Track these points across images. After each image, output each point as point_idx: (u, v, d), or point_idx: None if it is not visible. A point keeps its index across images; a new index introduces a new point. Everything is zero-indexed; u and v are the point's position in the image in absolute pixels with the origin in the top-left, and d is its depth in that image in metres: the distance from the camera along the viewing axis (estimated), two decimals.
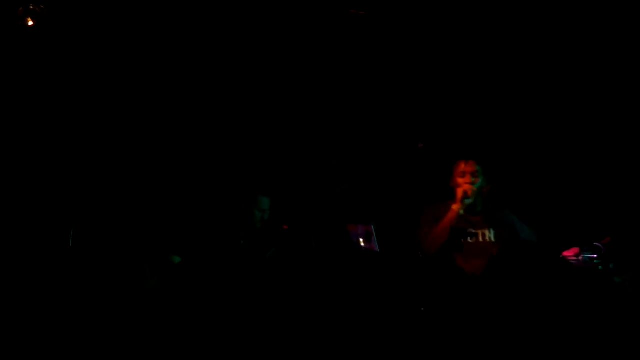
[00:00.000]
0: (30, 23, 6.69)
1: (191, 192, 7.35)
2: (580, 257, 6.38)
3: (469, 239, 6.49)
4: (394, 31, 7.61)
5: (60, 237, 6.44)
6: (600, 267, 6.22)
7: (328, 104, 7.85)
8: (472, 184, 6.43)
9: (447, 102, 7.80)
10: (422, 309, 4.32)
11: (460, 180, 6.56)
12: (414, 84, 7.81)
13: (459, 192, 6.53)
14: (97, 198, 7.06)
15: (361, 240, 6.35)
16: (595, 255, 6.29)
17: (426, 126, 7.83)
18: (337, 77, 7.82)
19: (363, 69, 7.79)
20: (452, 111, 7.80)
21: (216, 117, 7.61)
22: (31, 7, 6.62)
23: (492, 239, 6.56)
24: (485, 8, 7.38)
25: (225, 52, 7.55)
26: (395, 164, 7.82)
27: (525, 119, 7.62)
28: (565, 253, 6.43)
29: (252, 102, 7.69)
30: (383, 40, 7.66)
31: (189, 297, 5.36)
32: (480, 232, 6.59)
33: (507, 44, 7.54)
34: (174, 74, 7.43)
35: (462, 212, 6.49)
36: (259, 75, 7.67)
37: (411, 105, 7.85)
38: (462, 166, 6.58)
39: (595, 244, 6.34)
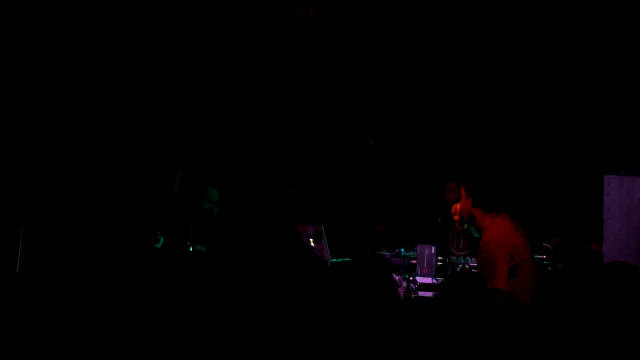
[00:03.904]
0: None
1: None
2: None
3: None
4: (348, 30, 7.63)
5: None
6: (549, 268, 6.26)
7: (282, 103, 7.84)
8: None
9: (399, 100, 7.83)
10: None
11: None
12: (362, 81, 7.83)
13: None
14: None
15: (311, 240, 6.34)
16: (544, 256, 6.33)
17: (377, 123, 7.84)
18: (289, 76, 7.81)
19: (313, 66, 7.79)
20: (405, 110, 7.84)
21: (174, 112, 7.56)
22: None
23: None
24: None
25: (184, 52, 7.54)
26: (346, 162, 7.83)
27: (474, 122, 7.67)
28: None
29: (211, 99, 7.66)
30: (333, 39, 7.67)
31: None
32: None
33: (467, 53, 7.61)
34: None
35: None
36: (215, 72, 7.65)
37: (362, 103, 7.86)
38: None
39: (544, 244, 6.38)
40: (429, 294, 5.64)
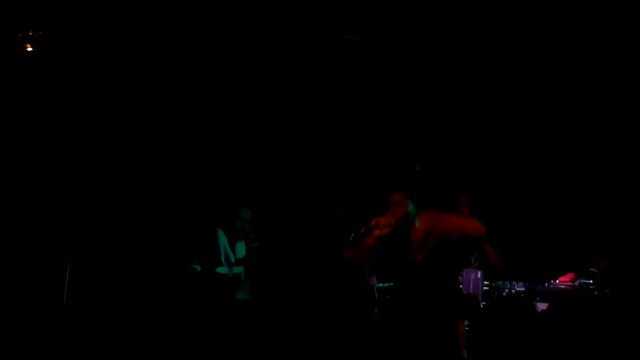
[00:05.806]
0: (30, 49, 6.75)
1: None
2: (576, 283, 6.39)
3: None
4: (389, 56, 7.67)
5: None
6: (596, 293, 6.23)
7: (327, 127, 7.90)
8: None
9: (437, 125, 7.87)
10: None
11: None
12: (408, 108, 7.87)
13: None
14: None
15: None
16: (591, 281, 6.30)
17: (423, 149, 7.87)
18: (334, 100, 7.87)
19: (357, 92, 7.85)
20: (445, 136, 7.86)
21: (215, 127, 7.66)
22: (30, 33, 6.69)
23: None
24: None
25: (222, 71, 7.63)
26: (393, 187, 7.83)
27: (518, 144, 7.66)
28: (561, 278, 6.45)
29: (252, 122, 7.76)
30: (376, 65, 7.73)
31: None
32: None
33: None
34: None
35: None
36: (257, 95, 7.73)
37: (408, 129, 7.89)
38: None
39: (590, 269, 6.35)
40: None
